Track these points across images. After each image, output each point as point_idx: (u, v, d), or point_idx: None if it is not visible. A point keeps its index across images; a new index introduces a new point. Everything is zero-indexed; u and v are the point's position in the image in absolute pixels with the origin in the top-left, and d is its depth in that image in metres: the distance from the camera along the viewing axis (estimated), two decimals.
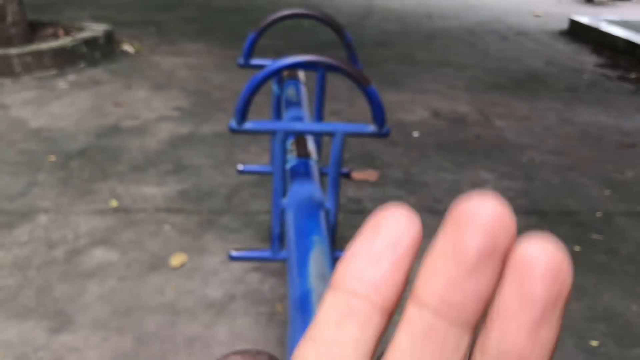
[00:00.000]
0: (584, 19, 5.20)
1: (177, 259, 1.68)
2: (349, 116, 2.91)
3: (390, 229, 0.17)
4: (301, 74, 1.53)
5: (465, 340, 0.17)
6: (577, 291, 1.64)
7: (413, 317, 0.17)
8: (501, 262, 0.16)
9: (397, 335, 0.17)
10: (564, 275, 0.16)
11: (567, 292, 0.16)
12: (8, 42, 3.57)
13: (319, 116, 1.34)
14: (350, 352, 0.17)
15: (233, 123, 0.93)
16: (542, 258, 0.15)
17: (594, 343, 1.45)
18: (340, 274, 0.17)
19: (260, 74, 0.90)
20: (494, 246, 0.16)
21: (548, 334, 0.16)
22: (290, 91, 1.41)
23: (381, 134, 1.01)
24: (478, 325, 0.17)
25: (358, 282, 0.17)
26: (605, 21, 5.10)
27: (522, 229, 1.97)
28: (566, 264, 0.16)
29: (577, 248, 1.85)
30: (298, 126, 0.97)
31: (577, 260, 1.78)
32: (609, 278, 1.71)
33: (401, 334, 0.17)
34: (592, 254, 1.83)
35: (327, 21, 1.27)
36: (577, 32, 5.20)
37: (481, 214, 0.16)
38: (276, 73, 0.91)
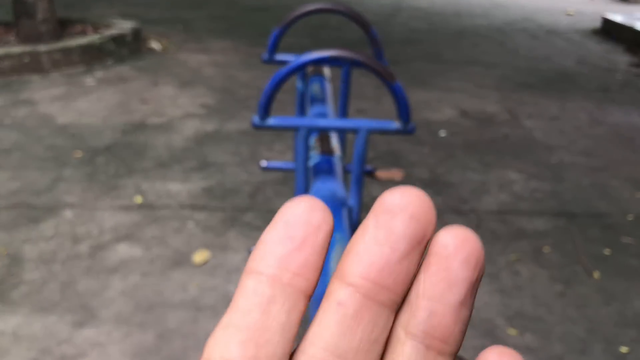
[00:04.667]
0: (617, 18, 5.10)
1: (200, 256, 1.68)
2: (375, 114, 2.88)
3: (309, 216, 0.17)
4: (326, 71, 1.51)
5: (391, 320, 0.18)
6: (606, 296, 1.60)
7: (343, 299, 0.17)
8: (424, 248, 0.18)
9: (323, 316, 0.18)
10: (481, 262, 0.18)
11: (481, 276, 0.18)
12: (38, 39, 3.63)
13: (343, 113, 1.32)
14: (278, 337, 0.17)
15: (256, 119, 0.92)
16: (466, 247, 0.17)
17: (624, 349, 1.41)
18: (260, 259, 0.17)
19: (284, 69, 0.88)
20: (422, 234, 0.17)
21: (466, 314, 0.18)
22: (314, 87, 1.40)
23: (406, 131, 0.98)
24: (400, 305, 0.18)
25: (283, 268, 0.17)
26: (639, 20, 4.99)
27: (551, 231, 1.92)
28: (481, 252, 0.18)
29: (607, 251, 1.80)
30: (321, 122, 0.95)
31: (607, 264, 1.74)
32: None
33: (329, 314, 0.18)
34: (623, 257, 1.78)
35: (353, 16, 1.26)
36: (611, 31, 5.09)
37: (411, 204, 0.17)
38: (300, 68, 0.90)
